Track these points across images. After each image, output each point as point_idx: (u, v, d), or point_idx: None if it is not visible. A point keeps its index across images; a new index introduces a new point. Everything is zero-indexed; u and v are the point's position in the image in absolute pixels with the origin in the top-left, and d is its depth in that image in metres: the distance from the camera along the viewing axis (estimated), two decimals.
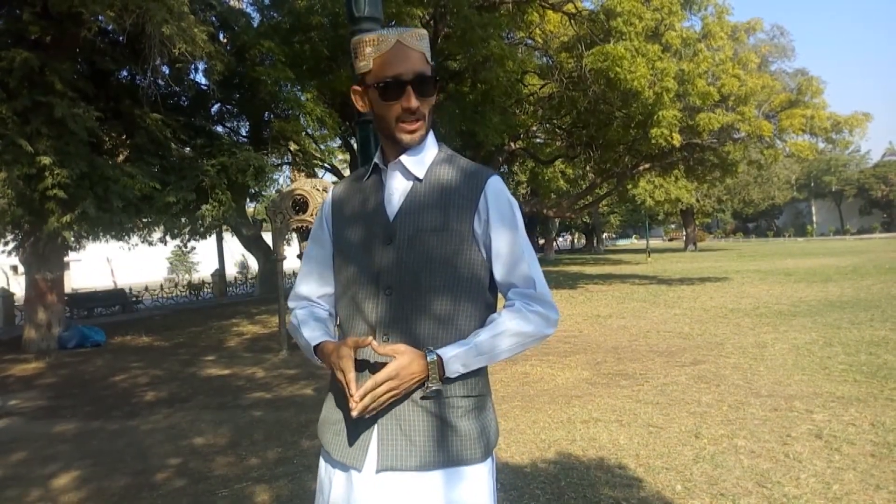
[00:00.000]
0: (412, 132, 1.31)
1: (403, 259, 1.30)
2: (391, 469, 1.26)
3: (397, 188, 1.37)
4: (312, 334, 1.39)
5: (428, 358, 1.23)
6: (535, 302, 1.31)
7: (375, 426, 1.28)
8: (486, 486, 1.31)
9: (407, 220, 1.32)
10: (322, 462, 1.41)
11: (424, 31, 1.35)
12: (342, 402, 1.34)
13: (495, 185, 1.34)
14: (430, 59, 1.33)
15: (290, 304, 1.53)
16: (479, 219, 1.31)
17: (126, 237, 13.71)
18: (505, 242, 1.31)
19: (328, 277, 1.47)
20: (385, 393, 1.22)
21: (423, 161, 1.36)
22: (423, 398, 1.27)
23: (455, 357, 1.25)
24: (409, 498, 1.25)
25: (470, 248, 1.31)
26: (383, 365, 1.24)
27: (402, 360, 1.22)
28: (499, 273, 1.33)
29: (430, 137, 1.39)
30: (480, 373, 1.35)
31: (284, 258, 9.74)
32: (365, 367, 1.30)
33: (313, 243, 1.49)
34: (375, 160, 1.40)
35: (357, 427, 1.30)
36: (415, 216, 1.32)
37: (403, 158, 1.35)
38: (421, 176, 1.35)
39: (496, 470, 1.40)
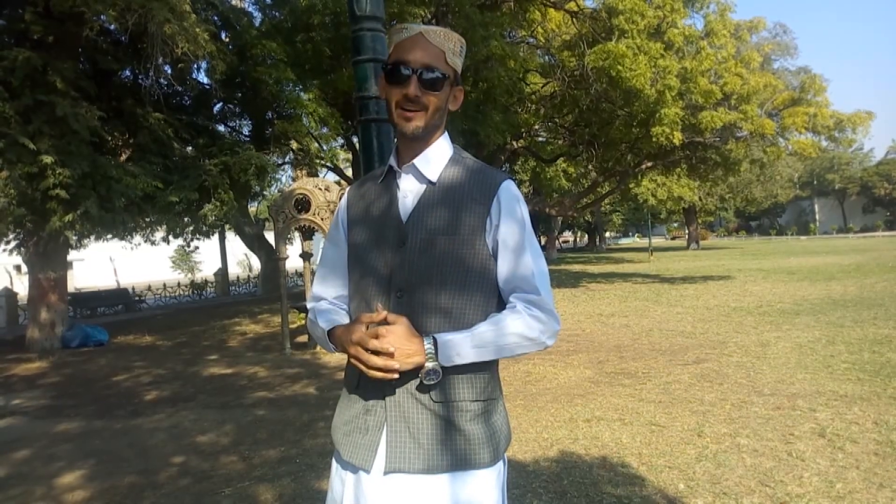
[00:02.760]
0: (408, 119, 1.31)
1: (415, 262, 1.31)
2: (399, 471, 1.26)
3: (410, 190, 1.37)
4: (327, 323, 1.39)
5: (425, 342, 1.24)
6: (537, 308, 1.31)
7: (384, 428, 1.28)
8: (493, 491, 1.31)
9: (419, 223, 1.33)
10: (334, 462, 1.41)
11: (457, 36, 1.34)
12: (354, 402, 1.35)
13: (508, 190, 1.34)
14: (450, 61, 1.32)
15: (309, 304, 1.53)
16: (490, 223, 1.32)
17: (128, 236, 13.72)
18: (513, 247, 1.32)
19: (344, 279, 1.47)
20: (391, 346, 1.21)
21: (436, 163, 1.37)
22: (420, 386, 1.26)
23: (451, 343, 1.25)
24: (417, 500, 1.25)
25: (481, 252, 1.31)
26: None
27: (409, 328, 1.25)
28: (503, 276, 1.33)
29: (444, 139, 1.40)
30: (490, 375, 1.35)
31: (286, 257, 9.74)
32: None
33: (329, 244, 1.51)
34: (390, 162, 1.40)
35: (367, 428, 1.30)
36: (427, 219, 1.33)
37: (417, 161, 1.36)
38: (434, 179, 1.36)
39: (507, 473, 1.40)
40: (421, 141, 1.35)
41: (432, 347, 1.24)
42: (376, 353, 1.22)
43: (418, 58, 1.29)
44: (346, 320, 1.41)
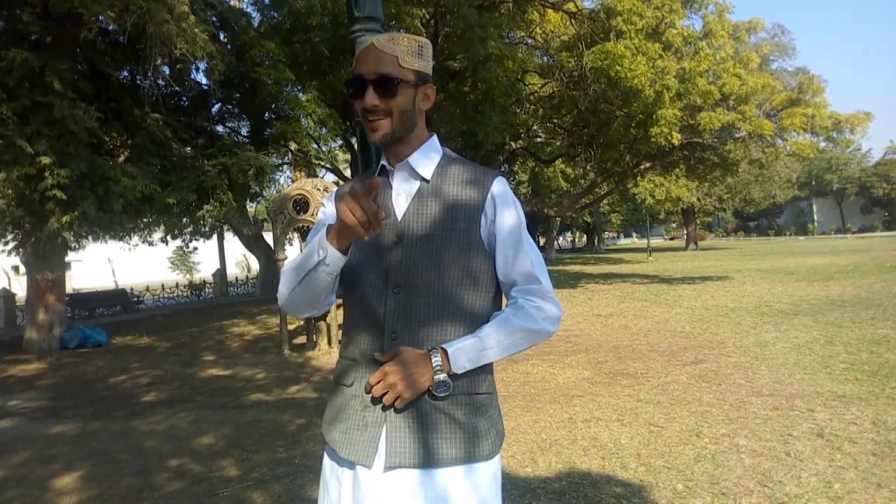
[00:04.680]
0: (374, 129, 1.34)
1: (412, 258, 1.33)
2: (399, 466, 1.26)
3: (404, 188, 1.39)
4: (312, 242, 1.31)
5: (432, 355, 1.27)
6: (538, 298, 1.35)
7: (384, 424, 1.29)
8: (493, 484, 1.33)
9: (415, 220, 1.35)
10: (327, 460, 1.40)
11: (413, 38, 1.35)
12: (350, 399, 1.35)
13: (501, 187, 1.38)
14: (406, 63, 1.32)
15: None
16: (485, 219, 1.35)
17: (127, 237, 13.71)
18: (510, 242, 1.35)
19: None
20: (396, 382, 1.25)
21: (429, 162, 1.40)
22: (433, 397, 1.28)
23: (460, 350, 1.28)
24: (418, 495, 1.26)
25: (477, 248, 1.34)
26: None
27: (407, 355, 1.27)
28: (502, 271, 1.36)
29: (434, 140, 1.43)
30: (487, 371, 1.37)
31: (285, 258, 9.74)
32: (375, 367, 1.32)
33: (315, 232, 1.46)
34: (382, 161, 1.42)
35: (365, 425, 1.30)
36: (422, 215, 1.35)
37: (411, 159, 1.38)
38: (428, 177, 1.38)
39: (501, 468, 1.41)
40: (402, 143, 1.37)
41: (439, 359, 1.26)
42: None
43: (370, 68, 1.31)
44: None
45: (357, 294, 1.38)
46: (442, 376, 1.26)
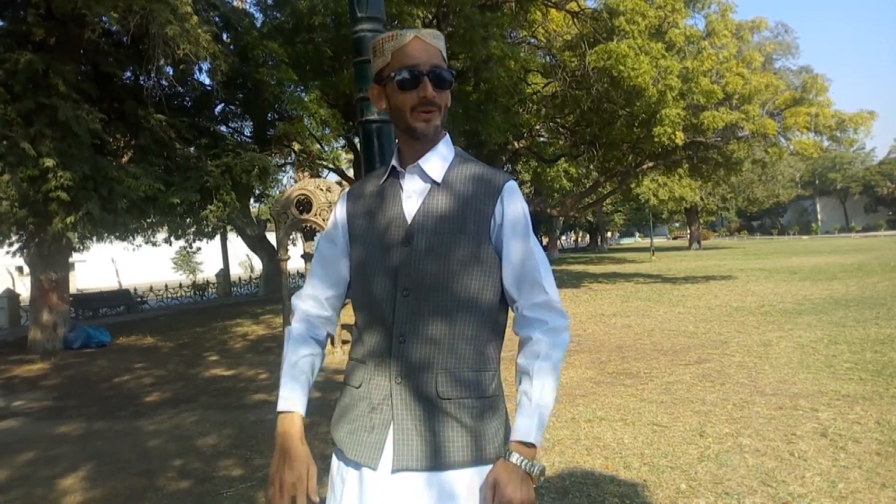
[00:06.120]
0: (427, 120, 1.33)
1: (421, 260, 1.31)
2: (406, 469, 1.25)
3: (415, 190, 1.38)
4: (287, 381, 1.42)
5: (521, 465, 1.23)
6: (546, 311, 1.32)
7: (391, 426, 1.28)
8: None
9: (425, 222, 1.33)
10: (335, 461, 1.40)
11: (440, 34, 1.38)
12: (358, 400, 1.34)
13: (511, 190, 1.36)
14: (445, 59, 1.36)
15: (294, 301, 1.50)
16: (494, 222, 1.33)
17: (130, 238, 13.75)
18: (517, 247, 1.33)
19: (336, 278, 1.45)
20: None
21: (440, 164, 1.38)
22: (427, 384, 1.27)
23: (531, 430, 1.26)
24: (424, 498, 1.24)
25: (486, 251, 1.32)
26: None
27: (502, 478, 1.23)
28: (508, 277, 1.34)
29: (447, 141, 1.41)
30: (494, 373, 1.36)
31: (288, 258, 9.74)
32: (383, 369, 1.32)
33: (326, 241, 1.48)
34: (393, 163, 1.41)
35: (372, 426, 1.30)
36: (433, 218, 1.33)
37: (421, 161, 1.36)
38: (439, 179, 1.36)
39: None
40: (428, 141, 1.36)
41: (526, 458, 1.24)
42: None
43: (425, 59, 1.31)
44: (311, 376, 1.43)
45: (366, 296, 1.37)
46: (537, 468, 1.24)
